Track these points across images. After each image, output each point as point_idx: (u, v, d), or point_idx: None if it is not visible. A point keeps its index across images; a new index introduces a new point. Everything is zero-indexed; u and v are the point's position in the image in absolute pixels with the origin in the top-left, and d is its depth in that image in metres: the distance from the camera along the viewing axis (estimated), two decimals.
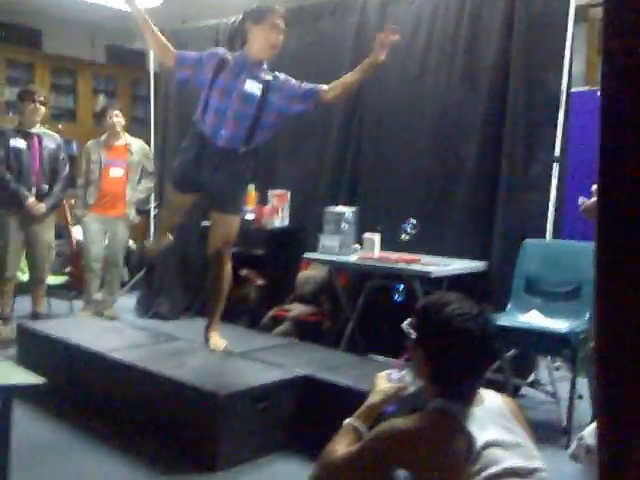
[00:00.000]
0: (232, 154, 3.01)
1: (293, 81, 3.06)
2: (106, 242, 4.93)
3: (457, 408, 1.48)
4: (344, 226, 3.85)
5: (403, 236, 3.62)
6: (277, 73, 3.09)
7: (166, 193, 3.45)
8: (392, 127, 4.07)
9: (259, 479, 2.48)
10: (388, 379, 1.71)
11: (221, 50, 3.13)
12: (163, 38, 3.16)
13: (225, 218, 3.19)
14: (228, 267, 3.33)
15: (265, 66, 3.08)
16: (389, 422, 1.52)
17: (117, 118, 4.91)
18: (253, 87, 2.97)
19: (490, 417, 1.50)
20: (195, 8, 5.66)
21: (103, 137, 4.98)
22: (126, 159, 4.92)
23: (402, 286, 3.50)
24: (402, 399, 1.71)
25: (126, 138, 5.02)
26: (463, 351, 1.50)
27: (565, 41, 3.33)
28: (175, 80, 3.31)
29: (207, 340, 3.30)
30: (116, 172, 4.88)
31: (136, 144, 5.04)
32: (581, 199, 3.07)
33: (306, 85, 3.04)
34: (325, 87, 3.02)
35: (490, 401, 1.55)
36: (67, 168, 4.70)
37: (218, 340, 3.27)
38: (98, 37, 7.31)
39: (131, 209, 4.92)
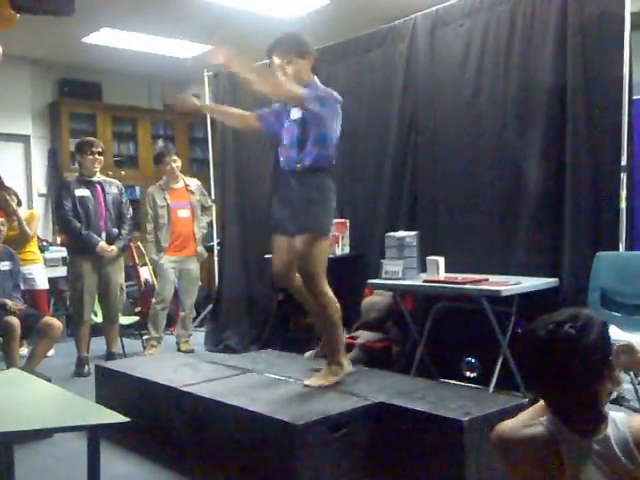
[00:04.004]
0: (290, 175, 3.08)
1: None
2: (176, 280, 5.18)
3: (565, 435, 1.37)
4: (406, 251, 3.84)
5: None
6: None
7: (271, 245, 3.27)
8: (448, 148, 4.04)
9: None
10: None
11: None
12: (235, 110, 3.39)
13: (291, 241, 3.03)
14: (321, 290, 3.02)
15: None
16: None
17: (175, 163, 5.18)
18: (296, 113, 3.09)
19: (601, 455, 1.35)
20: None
21: (161, 181, 5.22)
22: (189, 199, 5.22)
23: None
24: None
25: (184, 179, 5.28)
26: (543, 365, 1.36)
27: (623, 49, 3.26)
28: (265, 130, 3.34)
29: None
30: (183, 213, 5.18)
31: (193, 183, 5.33)
32: None
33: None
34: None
35: (614, 432, 1.37)
36: (131, 211, 4.90)
37: (322, 377, 3.08)
38: (154, 85, 7.62)
39: (200, 246, 5.24)
